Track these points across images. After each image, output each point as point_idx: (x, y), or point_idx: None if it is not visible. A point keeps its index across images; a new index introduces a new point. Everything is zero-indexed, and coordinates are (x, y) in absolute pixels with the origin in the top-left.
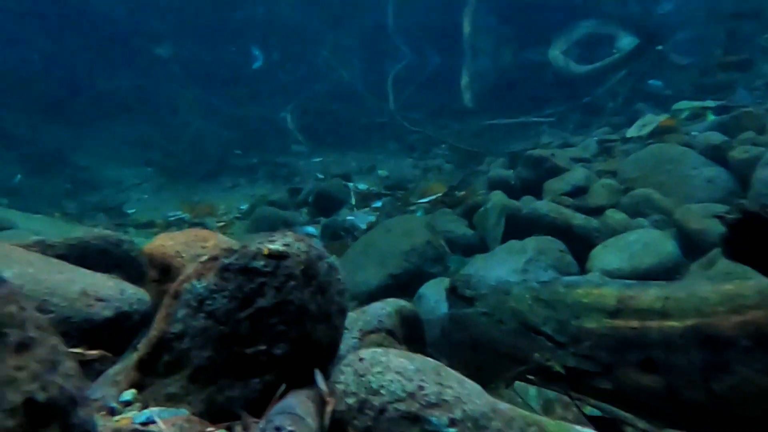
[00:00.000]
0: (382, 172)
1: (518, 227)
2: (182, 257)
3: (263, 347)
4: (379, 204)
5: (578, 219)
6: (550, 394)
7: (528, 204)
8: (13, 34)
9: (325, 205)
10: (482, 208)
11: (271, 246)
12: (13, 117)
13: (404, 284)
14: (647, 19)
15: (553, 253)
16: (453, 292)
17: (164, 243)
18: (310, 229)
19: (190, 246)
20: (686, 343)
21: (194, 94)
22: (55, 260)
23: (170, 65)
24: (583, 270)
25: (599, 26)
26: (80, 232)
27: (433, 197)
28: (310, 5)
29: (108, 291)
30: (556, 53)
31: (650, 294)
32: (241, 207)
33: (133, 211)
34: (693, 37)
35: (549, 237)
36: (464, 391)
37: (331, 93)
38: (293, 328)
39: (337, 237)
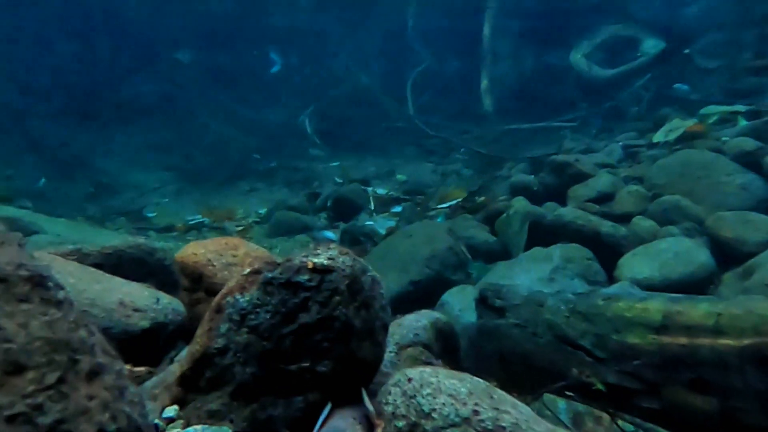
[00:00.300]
0: (400, 177)
1: (542, 234)
2: (214, 266)
3: (307, 364)
4: (398, 209)
5: (605, 226)
6: (580, 407)
7: (552, 210)
8: (42, 41)
9: (344, 209)
10: (504, 215)
11: (316, 260)
12: (40, 122)
13: (426, 291)
14: (673, 21)
15: (580, 261)
16: (483, 302)
17: (195, 251)
18: (329, 233)
19: (221, 254)
20: (743, 364)
21: (214, 98)
22: (91, 269)
23: (190, 70)
24: (611, 279)
25: (623, 29)
26: (112, 238)
27: (453, 203)
28: (329, 10)
29: (144, 301)
30: (578, 57)
31: (700, 309)
32: (260, 211)
33: (153, 214)
34: (721, 40)
35: (575, 245)
36: (521, 417)
37: (349, 97)
38: (338, 345)
39: (357, 242)
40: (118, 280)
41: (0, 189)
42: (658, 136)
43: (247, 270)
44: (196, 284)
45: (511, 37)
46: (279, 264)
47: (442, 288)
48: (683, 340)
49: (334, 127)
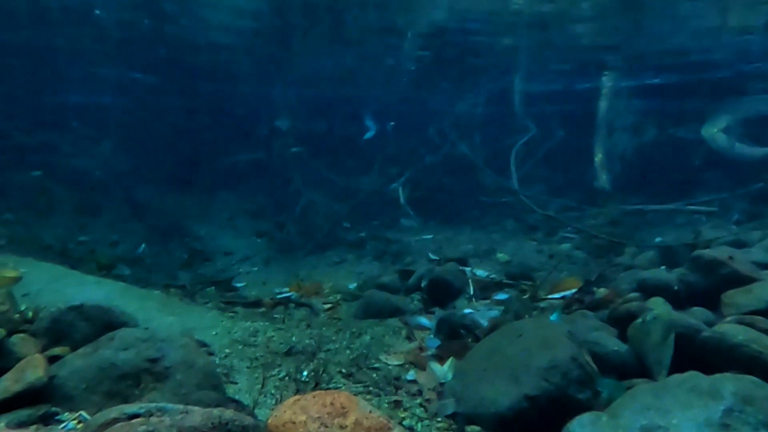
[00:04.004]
0: (501, 257)
1: (694, 353)
2: None
3: None
4: (502, 296)
5: None
6: None
7: (701, 318)
8: (156, 113)
9: (440, 293)
10: (640, 320)
11: None
12: (145, 189)
13: (544, 411)
14: None
15: (765, 405)
16: None
17: (294, 418)
18: (424, 320)
19: (326, 423)
20: None
21: (308, 165)
22: None
23: (287, 137)
24: None
25: None
26: (201, 323)
27: (568, 294)
28: (428, 77)
29: None
30: (713, 131)
31: None
32: (349, 287)
33: (242, 284)
34: None
35: (754, 379)
36: None
37: (445, 166)
38: None
39: (456, 335)
40: None
41: (103, 256)
42: None
43: None
44: None
45: (631, 108)
46: None
47: (566, 410)
48: None
49: (428, 196)
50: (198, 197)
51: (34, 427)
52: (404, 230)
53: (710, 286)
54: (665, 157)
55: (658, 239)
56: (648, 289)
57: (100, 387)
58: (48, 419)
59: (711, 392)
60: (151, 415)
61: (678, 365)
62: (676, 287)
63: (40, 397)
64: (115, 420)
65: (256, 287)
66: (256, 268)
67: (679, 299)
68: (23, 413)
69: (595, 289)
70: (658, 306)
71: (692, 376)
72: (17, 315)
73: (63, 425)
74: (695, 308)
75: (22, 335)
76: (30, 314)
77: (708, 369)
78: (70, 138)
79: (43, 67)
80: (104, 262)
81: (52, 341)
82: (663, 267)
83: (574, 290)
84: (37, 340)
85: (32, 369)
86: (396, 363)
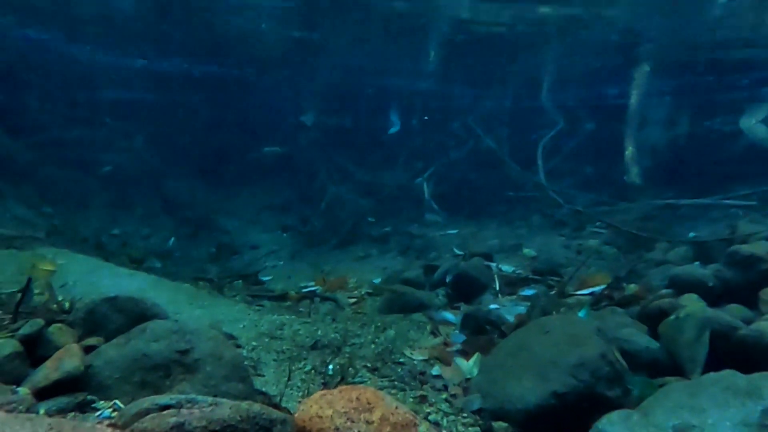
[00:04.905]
0: (528, 252)
1: (729, 352)
2: None
3: None
4: (529, 292)
5: None
6: None
7: (737, 316)
8: (186, 109)
9: (465, 288)
10: (673, 317)
11: None
12: (174, 183)
13: (572, 408)
14: None
15: None
16: None
17: (321, 413)
18: (449, 315)
19: (352, 419)
20: None
21: (333, 160)
22: None
23: (313, 132)
24: None
25: None
26: (229, 314)
27: (597, 290)
28: (454, 72)
29: None
30: (752, 123)
31: None
32: (374, 281)
33: (268, 278)
34: None
35: None
36: None
37: (470, 161)
38: None
39: (481, 330)
40: None
41: (134, 251)
42: None
43: None
44: None
45: (663, 99)
46: None
47: (595, 408)
48: None
49: (453, 191)
50: (226, 192)
51: (72, 414)
52: (429, 225)
53: (747, 283)
54: (701, 149)
55: (692, 234)
56: (681, 286)
57: (133, 377)
58: (85, 407)
59: (749, 391)
60: (182, 406)
61: (713, 364)
62: (711, 283)
63: (77, 386)
64: (147, 411)
65: (281, 281)
66: (281, 262)
67: (715, 296)
68: (62, 401)
69: (624, 285)
70: (692, 303)
71: (729, 375)
72: (55, 305)
73: (98, 413)
74: (731, 305)
75: (59, 325)
76: (67, 305)
77: (745, 368)
78: (104, 133)
79: (76, 63)
80: (136, 255)
81: (88, 331)
82: (697, 263)
83: (603, 286)
84: (74, 331)
85: (69, 358)
86: (421, 358)
